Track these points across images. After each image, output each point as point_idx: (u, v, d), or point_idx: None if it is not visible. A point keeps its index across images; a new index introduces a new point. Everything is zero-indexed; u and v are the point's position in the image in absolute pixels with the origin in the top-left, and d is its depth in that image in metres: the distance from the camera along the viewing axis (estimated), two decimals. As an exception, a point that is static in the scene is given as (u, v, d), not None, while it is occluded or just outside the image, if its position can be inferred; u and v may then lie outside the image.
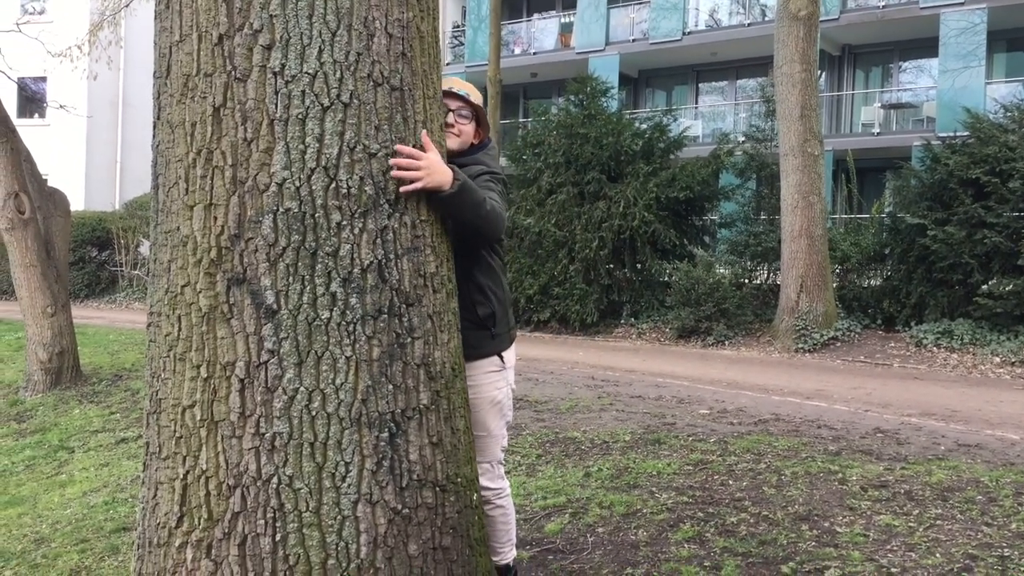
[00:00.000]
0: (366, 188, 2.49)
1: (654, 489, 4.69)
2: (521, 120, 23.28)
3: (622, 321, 14.59)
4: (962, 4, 18.94)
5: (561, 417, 6.91)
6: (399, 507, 2.48)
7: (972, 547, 3.63)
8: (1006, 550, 3.59)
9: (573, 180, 14.74)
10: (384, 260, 2.50)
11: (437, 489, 2.58)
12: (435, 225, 2.67)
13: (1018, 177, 11.24)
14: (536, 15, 27.08)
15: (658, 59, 23.98)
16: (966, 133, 12.51)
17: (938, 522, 3.97)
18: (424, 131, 2.63)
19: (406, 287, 2.55)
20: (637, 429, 6.30)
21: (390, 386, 2.49)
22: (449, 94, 2.98)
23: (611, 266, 14.74)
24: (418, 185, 2.53)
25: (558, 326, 14.75)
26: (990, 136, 11.98)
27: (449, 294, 2.73)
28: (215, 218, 2.44)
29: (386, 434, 2.47)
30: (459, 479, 2.66)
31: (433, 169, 2.55)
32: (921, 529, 3.87)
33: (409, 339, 2.54)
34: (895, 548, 3.65)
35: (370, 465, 2.45)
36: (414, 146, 2.59)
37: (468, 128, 3.06)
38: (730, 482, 4.78)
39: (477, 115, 3.10)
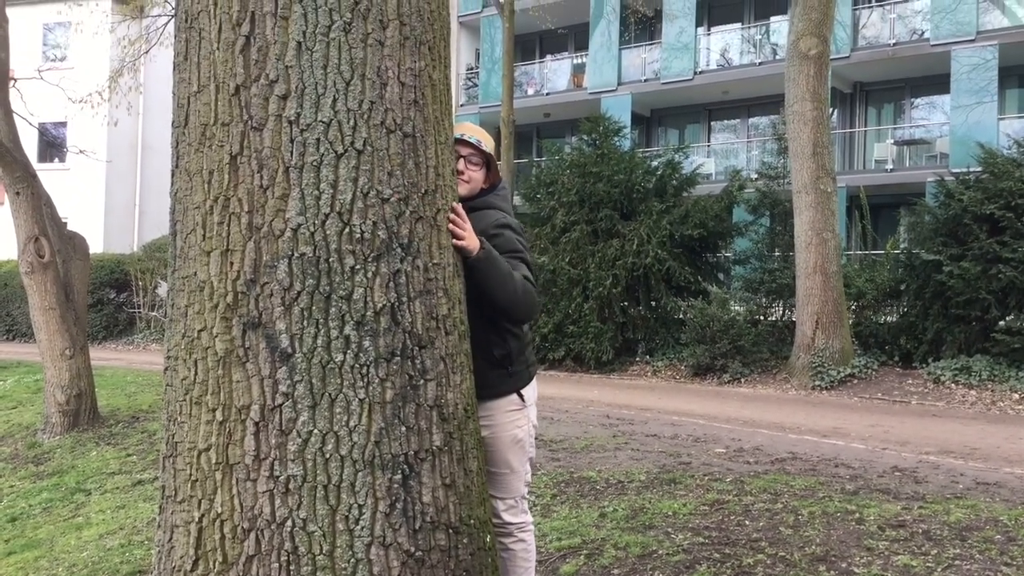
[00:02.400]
0: (379, 233, 2.53)
1: (670, 530, 4.66)
2: (535, 159, 23.42)
3: (637, 359, 14.56)
4: (973, 41, 19.04)
5: (576, 456, 6.88)
6: (412, 550, 2.49)
7: (992, 588, 3.59)
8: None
9: (587, 218, 14.81)
10: (397, 303, 2.54)
11: (450, 531, 2.58)
12: (447, 268, 2.71)
13: (1032, 213, 11.23)
14: (549, 56, 27.39)
15: (670, 98, 24.17)
16: (980, 168, 12.52)
17: (956, 562, 3.93)
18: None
19: (419, 329, 2.58)
20: (652, 468, 6.27)
21: (403, 428, 2.51)
22: (461, 141, 3.04)
23: (625, 304, 14.75)
24: (459, 243, 2.74)
25: (573, 364, 14.73)
26: (1004, 171, 11.98)
27: (462, 336, 2.76)
28: (231, 263, 2.49)
29: (399, 476, 2.49)
30: (472, 521, 2.67)
31: (469, 233, 2.77)
32: (939, 569, 3.84)
33: (422, 381, 2.57)
34: (914, 589, 3.62)
35: (383, 507, 2.46)
36: (426, 191, 2.64)
37: (478, 175, 3.12)
38: (747, 522, 4.75)
39: (488, 161, 3.16)
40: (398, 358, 2.52)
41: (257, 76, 2.51)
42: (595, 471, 6.26)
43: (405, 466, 2.50)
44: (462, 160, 3.04)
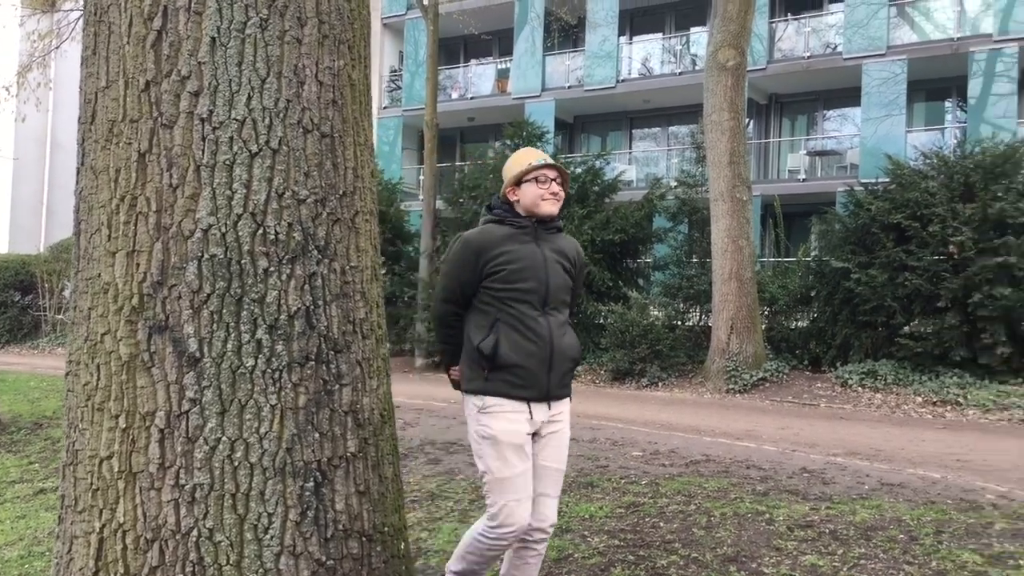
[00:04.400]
0: (294, 234, 2.48)
1: (586, 533, 4.69)
2: (458, 163, 23.42)
3: (557, 363, 14.62)
4: (883, 55, 19.72)
5: (495, 461, 6.88)
6: (323, 559, 2.45)
7: (894, 586, 3.70)
8: (927, 588, 3.67)
9: (508, 223, 14.83)
10: (312, 306, 2.50)
11: (363, 539, 2.55)
12: (365, 272, 2.67)
13: (937, 222, 11.66)
14: (473, 61, 27.40)
15: (593, 105, 24.42)
16: (888, 179, 12.96)
17: (861, 561, 4.05)
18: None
19: (335, 333, 2.54)
20: (570, 472, 6.30)
21: (316, 434, 2.47)
22: (549, 166, 3.22)
23: (547, 308, 14.81)
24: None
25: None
26: (911, 182, 12.42)
27: (379, 340, 2.73)
28: (138, 264, 2.41)
29: (311, 484, 2.45)
30: (387, 528, 2.64)
31: None
32: (845, 569, 3.94)
33: (337, 386, 2.53)
34: (820, 588, 3.71)
35: (294, 516, 2.42)
36: (344, 193, 2.60)
37: (562, 196, 3.28)
38: (661, 524, 4.81)
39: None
40: (312, 363, 2.48)
41: (168, 72, 2.44)
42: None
43: (318, 473, 2.46)
44: (552, 183, 3.21)
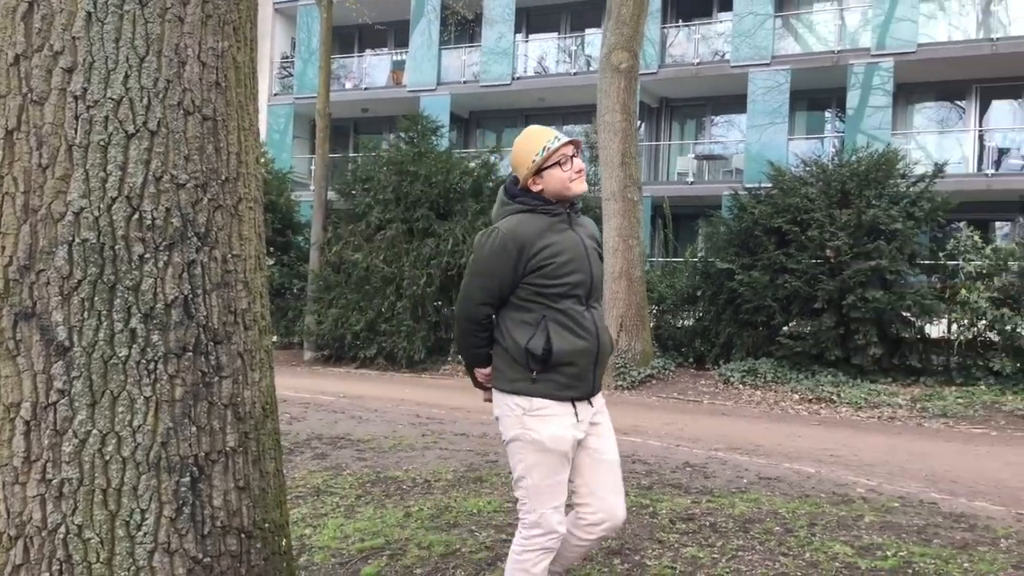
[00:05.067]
0: (172, 220, 2.39)
1: (474, 528, 4.69)
2: (351, 155, 23.08)
3: (449, 358, 14.62)
4: (768, 64, 20.40)
5: (383, 456, 6.81)
6: (200, 556, 2.36)
7: (769, 576, 3.83)
8: (799, 578, 3.81)
9: (402, 217, 14.74)
10: (191, 295, 2.41)
11: (243, 536, 2.47)
12: (249, 260, 2.59)
13: (816, 226, 12.16)
14: (368, 51, 27.06)
15: (488, 101, 24.46)
16: (770, 185, 13.43)
17: (740, 553, 4.17)
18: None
19: (215, 324, 2.45)
20: (460, 467, 6.30)
21: (193, 428, 2.38)
22: (572, 142, 2.98)
23: (439, 303, 14.79)
24: None
25: (385, 363, 14.61)
26: (791, 188, 12.92)
27: (262, 331, 2.65)
28: (3, 248, 2.28)
29: (187, 479, 2.36)
30: (267, 525, 2.57)
31: None
32: (724, 560, 4.06)
33: (216, 378, 2.45)
34: (700, 579, 3.80)
35: (169, 512, 2.32)
36: (227, 179, 2.52)
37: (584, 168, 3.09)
38: (548, 519, 4.85)
39: None
40: (190, 354, 2.39)
41: (40, 46, 2.31)
42: (402, 471, 6.21)
43: (195, 468, 2.38)
44: (575, 160, 2.98)
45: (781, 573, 3.88)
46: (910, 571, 3.88)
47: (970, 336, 12.30)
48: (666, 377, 12.67)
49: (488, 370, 3.03)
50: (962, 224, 15.27)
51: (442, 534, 4.56)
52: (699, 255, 14.71)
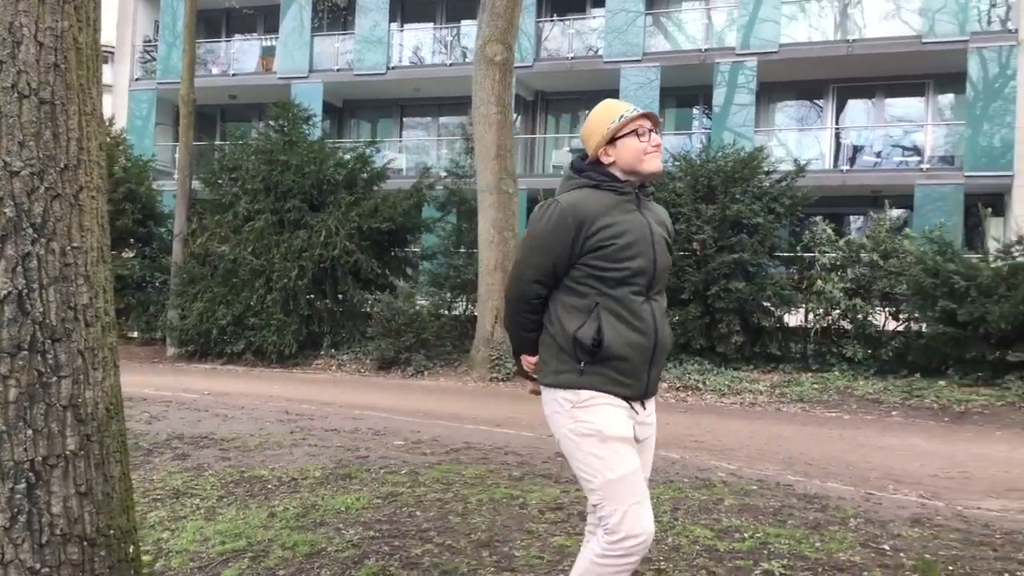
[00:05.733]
0: (5, 210, 2.23)
1: (341, 526, 4.60)
2: (218, 143, 22.37)
3: (322, 353, 14.37)
4: (639, 61, 20.87)
5: (249, 455, 6.61)
6: (38, 566, 2.22)
7: (634, 562, 3.91)
8: (663, 563, 3.90)
9: (272, 207, 14.37)
10: (26, 290, 2.26)
11: (85, 544, 2.34)
12: (90, 253, 2.45)
13: (683, 220, 12.50)
14: (238, 36, 26.25)
15: (363, 90, 24.12)
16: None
17: (605, 540, 4.24)
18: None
19: (52, 320, 2.31)
20: (329, 464, 6.18)
21: (29, 431, 2.24)
22: (647, 116, 2.76)
23: (311, 296, 14.50)
24: None
25: (253, 358, 14.23)
26: (660, 182, 13.21)
27: (106, 328, 2.51)
28: None
29: (23, 485, 2.21)
30: (112, 531, 2.44)
31: None
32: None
33: (54, 378, 2.30)
34: (566, 568, 3.84)
35: (3, 521, 2.18)
36: (66, 166, 2.37)
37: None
38: (418, 513, 4.81)
39: None
40: (25, 352, 2.24)
41: None
42: (268, 469, 6.05)
43: (31, 474, 2.23)
44: (653, 134, 2.75)
45: (644, 558, 3.96)
46: (765, 552, 4.03)
47: (825, 324, 12.92)
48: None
49: (536, 359, 2.79)
50: (818, 218, 16.04)
51: (307, 534, 4.46)
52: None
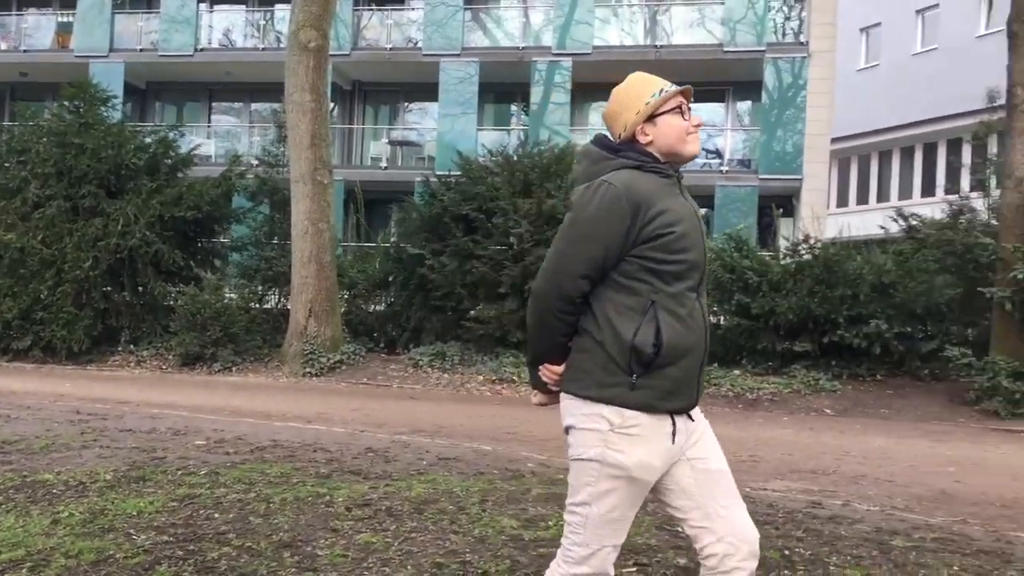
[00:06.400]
0: None
1: (132, 531, 4.31)
2: (6, 123, 20.65)
3: (120, 348, 13.56)
4: (459, 56, 20.91)
5: (33, 458, 6.10)
6: None
7: (440, 556, 3.87)
8: (468, 555, 3.88)
9: (65, 193, 13.41)
10: None
11: None
12: None
13: (500, 214, 12.63)
14: (31, 9, 24.32)
15: (169, 72, 22.90)
16: (459, 173, 13.76)
17: (412, 535, 4.18)
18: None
19: None
20: (121, 466, 5.78)
21: None
22: (685, 92, 2.47)
23: (108, 289, 13.63)
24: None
25: (42, 355, 13.23)
26: (479, 177, 13.33)
27: None
28: None
29: None
30: None
31: None
32: (396, 543, 4.04)
33: None
34: (371, 565, 3.76)
35: None
36: None
37: None
38: (216, 515, 4.58)
39: None
40: None
41: None
42: (53, 473, 5.59)
43: None
44: (691, 113, 2.46)
45: (451, 551, 3.94)
46: (569, 540, 4.09)
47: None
48: (356, 363, 12.59)
49: (561, 368, 2.42)
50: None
51: (94, 540, 4.15)
52: (391, 241, 14.76)
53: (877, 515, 5.03)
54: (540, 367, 2.45)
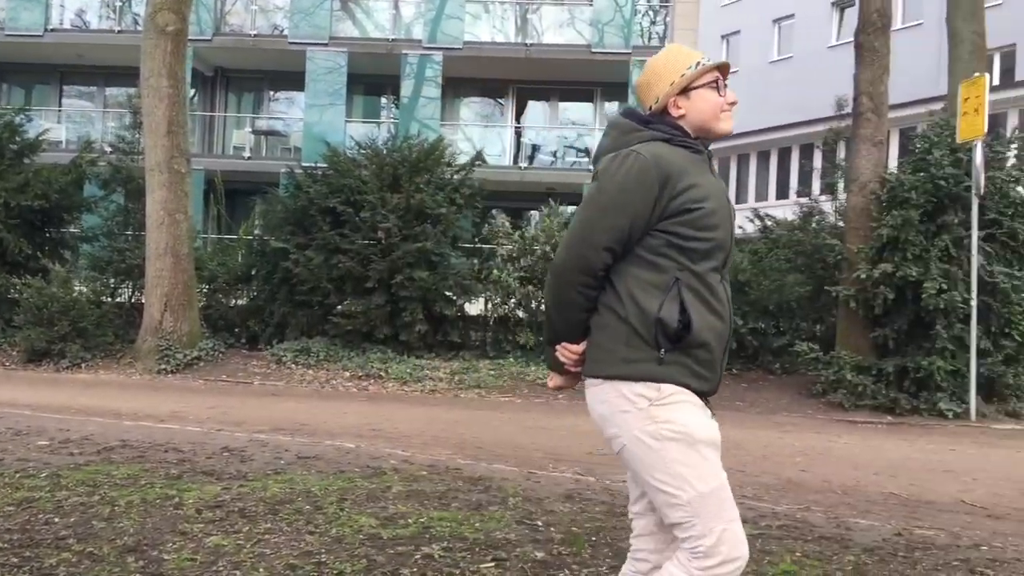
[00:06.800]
0: None
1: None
2: None
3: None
4: (326, 45, 20.51)
5: None
6: None
7: (294, 557, 3.77)
8: (324, 555, 3.80)
9: None
10: None
11: None
12: None
13: (368, 208, 12.46)
14: None
15: (16, 52, 21.51)
16: (326, 165, 13.51)
17: (266, 536, 4.06)
18: None
19: None
20: (-50, 471, 5.40)
21: None
22: (722, 67, 2.35)
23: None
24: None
25: None
26: (346, 169, 13.11)
27: None
28: None
29: None
30: None
31: None
32: (249, 545, 3.92)
33: None
34: (221, 569, 3.63)
35: None
36: None
37: None
38: (56, 520, 4.33)
39: None
40: None
41: None
42: None
43: None
44: (728, 90, 2.35)
45: (305, 552, 3.85)
46: (427, 536, 4.07)
47: (502, 313, 13.49)
48: (215, 359, 12.17)
49: (582, 347, 2.31)
50: (495, 211, 16.74)
51: (-86, 552, 3.85)
52: (255, 233, 14.33)
53: (727, 504, 5.22)
54: (558, 347, 2.34)
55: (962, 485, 6.32)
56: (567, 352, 2.32)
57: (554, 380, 2.45)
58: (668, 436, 2.15)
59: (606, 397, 2.23)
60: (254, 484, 5.09)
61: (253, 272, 13.65)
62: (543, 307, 2.41)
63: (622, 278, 2.22)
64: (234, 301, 13.81)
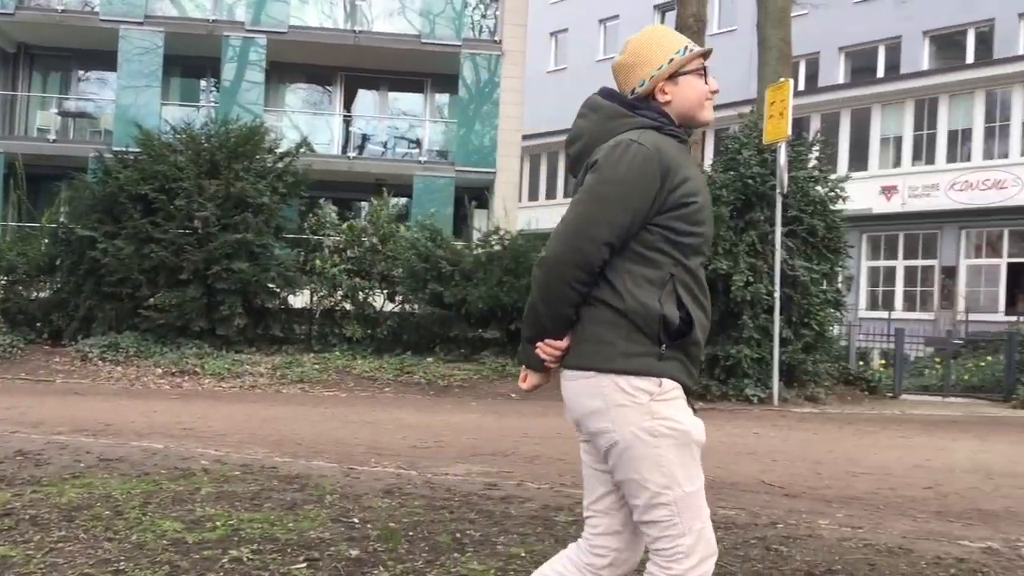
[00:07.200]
0: None
1: None
2: None
3: None
4: (141, 24, 19.41)
5: None
6: None
7: (90, 566, 3.53)
8: (123, 563, 3.57)
9: None
10: None
11: None
12: None
13: (184, 196, 11.91)
14: None
15: None
16: (139, 150, 12.81)
17: (60, 545, 3.78)
18: None
19: None
20: None
21: None
22: (708, 54, 2.26)
23: None
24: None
25: None
26: (160, 155, 12.50)
27: None
28: None
29: None
30: None
31: None
32: (40, 555, 3.64)
33: None
34: (4, 583, 3.36)
35: None
36: None
37: None
38: None
39: None
40: None
41: None
42: None
43: None
44: (710, 78, 2.26)
45: (102, 560, 3.61)
46: (236, 539, 3.90)
47: (328, 305, 13.24)
48: (14, 356, 11.34)
49: (566, 342, 2.19)
50: (323, 201, 16.40)
51: None
52: (59, 221, 13.40)
53: (547, 493, 5.31)
54: (540, 343, 2.22)
55: (763, 466, 6.72)
56: (550, 348, 2.22)
57: (530, 379, 2.34)
58: (665, 433, 2.11)
59: (601, 390, 2.14)
60: (48, 490, 4.73)
61: (57, 263, 12.78)
62: (529, 301, 2.30)
63: (617, 273, 2.14)
64: (36, 294, 12.90)
